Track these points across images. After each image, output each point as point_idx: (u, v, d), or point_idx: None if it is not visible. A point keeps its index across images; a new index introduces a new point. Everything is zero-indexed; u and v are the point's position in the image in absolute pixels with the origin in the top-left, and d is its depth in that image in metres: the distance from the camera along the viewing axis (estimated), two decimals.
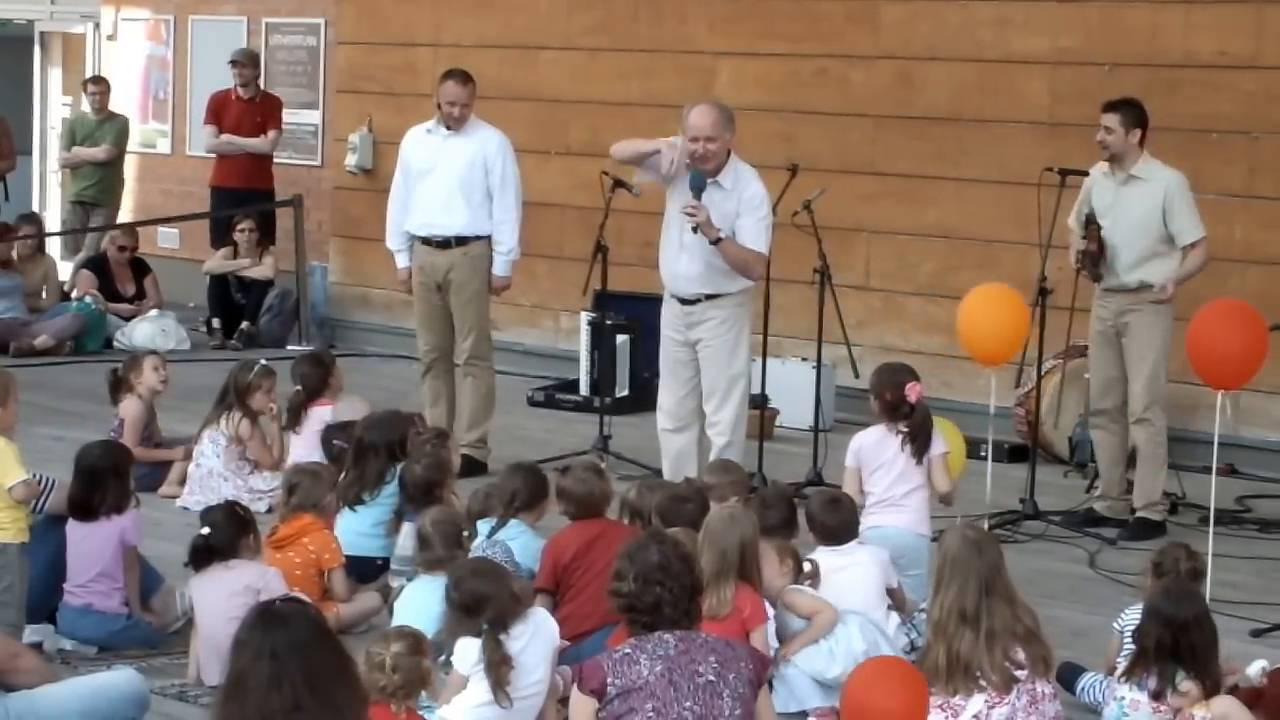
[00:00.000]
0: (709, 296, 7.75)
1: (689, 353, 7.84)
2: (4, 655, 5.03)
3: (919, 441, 6.62)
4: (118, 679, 5.27)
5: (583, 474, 6.42)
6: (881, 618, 5.97)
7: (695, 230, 7.57)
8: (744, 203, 7.65)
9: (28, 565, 6.05)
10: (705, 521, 5.76)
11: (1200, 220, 8.15)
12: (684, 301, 7.83)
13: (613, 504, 6.36)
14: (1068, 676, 5.83)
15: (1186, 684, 5.20)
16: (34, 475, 6.32)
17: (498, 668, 5.02)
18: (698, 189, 7.58)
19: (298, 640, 3.62)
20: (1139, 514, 8.19)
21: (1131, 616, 5.68)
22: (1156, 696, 5.22)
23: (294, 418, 8.28)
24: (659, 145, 7.65)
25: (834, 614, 5.76)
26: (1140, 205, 8.12)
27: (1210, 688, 5.22)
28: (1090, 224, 8.17)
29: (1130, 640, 5.51)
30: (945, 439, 6.78)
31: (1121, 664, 5.47)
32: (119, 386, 8.39)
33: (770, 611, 5.69)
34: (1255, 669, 5.62)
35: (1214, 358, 7.10)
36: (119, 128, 13.75)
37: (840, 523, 6.15)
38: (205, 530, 5.95)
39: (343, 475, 7.03)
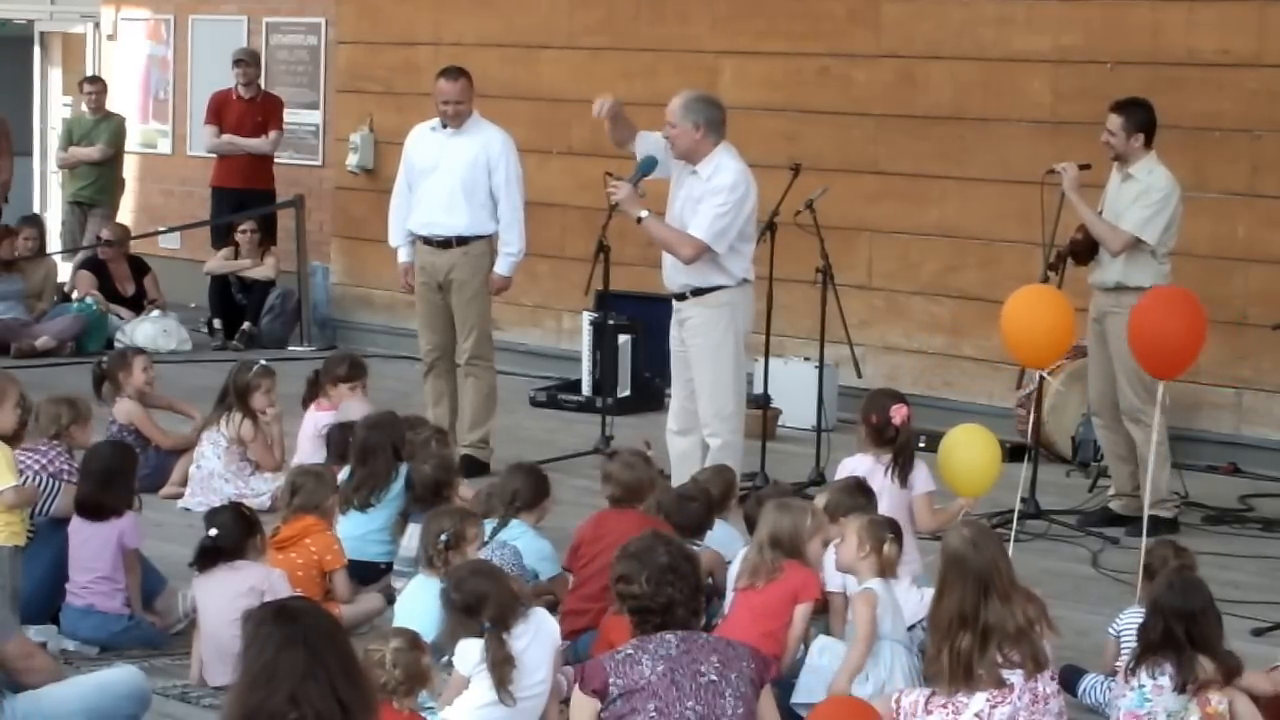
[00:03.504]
0: (695, 292, 7.72)
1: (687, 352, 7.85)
2: (21, 654, 5.03)
3: (901, 464, 6.55)
4: (119, 675, 5.27)
5: (630, 459, 6.45)
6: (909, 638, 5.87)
7: (614, 208, 7.61)
8: (708, 190, 7.57)
9: (20, 567, 6.05)
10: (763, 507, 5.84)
11: (1153, 230, 7.98)
12: (676, 298, 7.83)
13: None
14: (1070, 678, 5.80)
15: (1209, 665, 5.20)
16: (36, 478, 6.32)
17: (500, 667, 5.01)
18: (643, 171, 7.64)
19: (326, 630, 3.66)
20: (1149, 512, 8.19)
21: (1128, 619, 5.67)
22: (1182, 687, 5.21)
23: (311, 394, 8.35)
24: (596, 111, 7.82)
25: (860, 653, 5.56)
26: (1124, 202, 8.13)
27: (1227, 672, 5.22)
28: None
29: (1129, 642, 5.49)
30: (933, 475, 6.61)
31: (1122, 667, 5.45)
32: (104, 381, 8.41)
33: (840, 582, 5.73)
34: None
35: (1155, 347, 6.95)
36: (114, 127, 13.74)
37: (861, 508, 6.01)
38: (212, 532, 5.94)
39: (347, 476, 7.01)
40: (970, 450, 6.68)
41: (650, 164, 7.66)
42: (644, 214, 7.56)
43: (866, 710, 5.15)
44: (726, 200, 7.54)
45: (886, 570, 5.68)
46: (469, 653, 5.06)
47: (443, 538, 5.80)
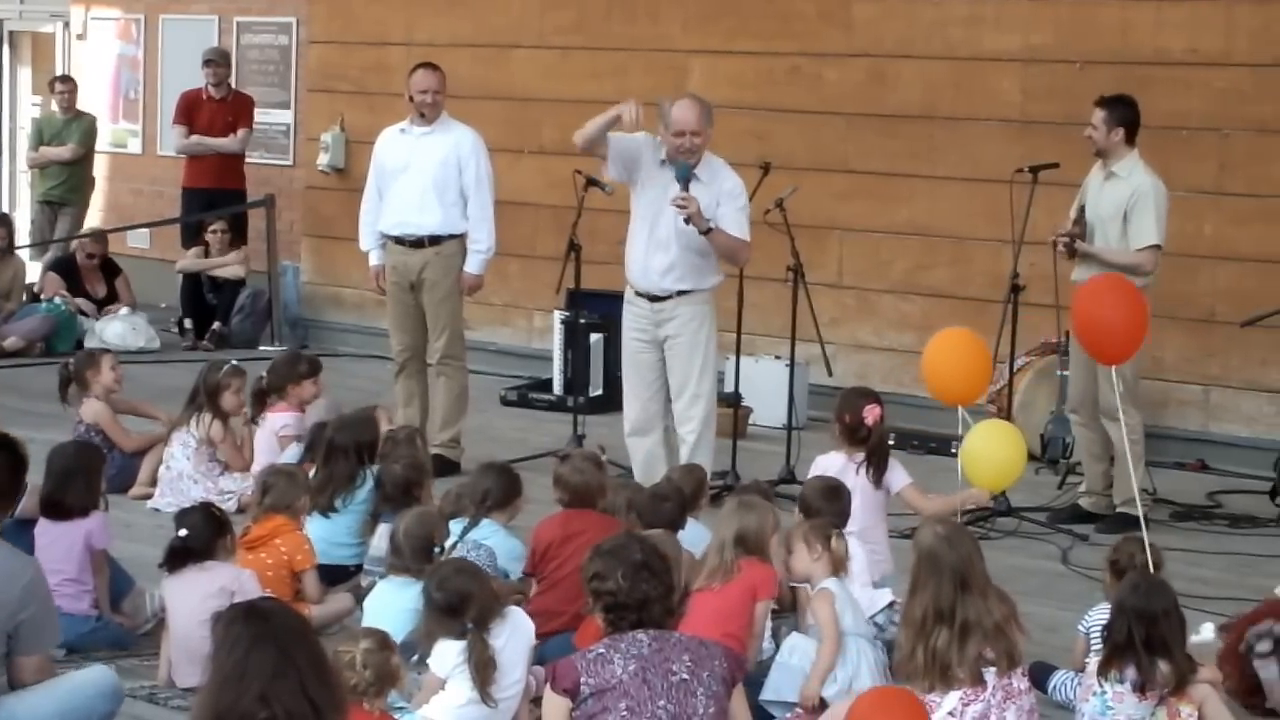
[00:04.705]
0: (681, 293, 7.77)
1: (655, 353, 7.86)
2: (36, 669, 5.02)
3: (875, 464, 6.56)
4: (90, 675, 5.27)
5: (581, 463, 6.44)
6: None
7: (688, 222, 7.59)
8: (724, 194, 7.72)
9: None
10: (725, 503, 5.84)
11: (1161, 230, 8.07)
12: (654, 299, 7.83)
13: (608, 498, 6.37)
14: (1040, 675, 5.82)
15: (1165, 668, 5.22)
16: None
17: (484, 668, 5.00)
18: (684, 180, 7.61)
19: (296, 630, 3.67)
20: (1119, 509, 8.24)
21: (1097, 617, 5.68)
22: (1142, 688, 5.23)
23: (257, 406, 8.27)
24: (615, 111, 7.63)
25: (831, 652, 5.58)
26: (1110, 204, 8.17)
27: (1181, 674, 5.24)
28: (1081, 215, 8.23)
29: (1098, 639, 5.51)
30: (903, 470, 6.65)
31: (1091, 663, 5.47)
32: (70, 383, 8.36)
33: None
34: (1208, 633, 5.62)
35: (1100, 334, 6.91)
36: (85, 127, 13.69)
37: (836, 513, 6.08)
38: (183, 532, 5.92)
39: (312, 476, 6.98)
40: (1001, 446, 6.66)
41: (687, 171, 7.65)
42: (713, 226, 7.64)
43: (909, 699, 5.12)
44: (744, 201, 7.83)
45: (838, 567, 5.71)
46: (446, 654, 5.05)
47: (436, 547, 5.82)
